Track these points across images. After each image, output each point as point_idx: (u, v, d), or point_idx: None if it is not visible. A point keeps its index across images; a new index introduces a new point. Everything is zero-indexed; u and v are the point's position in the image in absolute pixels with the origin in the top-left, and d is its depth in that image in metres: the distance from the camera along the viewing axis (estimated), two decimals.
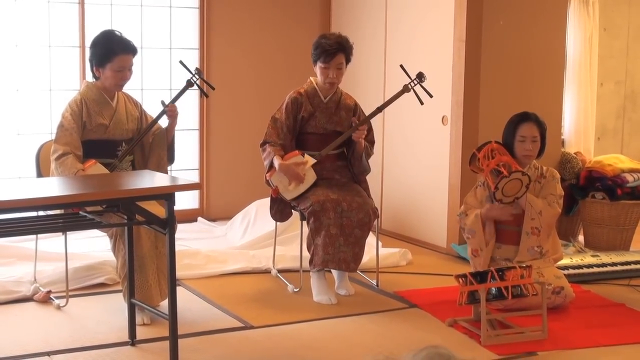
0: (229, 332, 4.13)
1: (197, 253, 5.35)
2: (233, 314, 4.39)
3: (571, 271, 5.07)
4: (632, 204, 6.00)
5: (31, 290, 4.59)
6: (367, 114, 4.87)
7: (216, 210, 6.84)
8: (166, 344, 3.66)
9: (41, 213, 3.91)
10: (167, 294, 3.66)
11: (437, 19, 5.93)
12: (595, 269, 5.20)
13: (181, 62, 4.65)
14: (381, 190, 6.49)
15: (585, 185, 6.15)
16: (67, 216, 3.74)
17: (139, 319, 4.08)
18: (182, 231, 5.83)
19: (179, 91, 4.56)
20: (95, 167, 4.26)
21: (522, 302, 4.19)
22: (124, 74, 4.38)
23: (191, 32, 6.71)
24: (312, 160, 4.71)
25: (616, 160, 6.21)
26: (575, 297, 4.55)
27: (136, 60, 4.44)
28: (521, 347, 3.94)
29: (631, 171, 6.10)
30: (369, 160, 4.92)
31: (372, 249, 5.07)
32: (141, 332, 4.01)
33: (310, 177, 4.71)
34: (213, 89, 4.87)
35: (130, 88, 4.68)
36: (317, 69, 4.77)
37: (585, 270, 5.17)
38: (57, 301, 4.46)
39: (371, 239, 4.94)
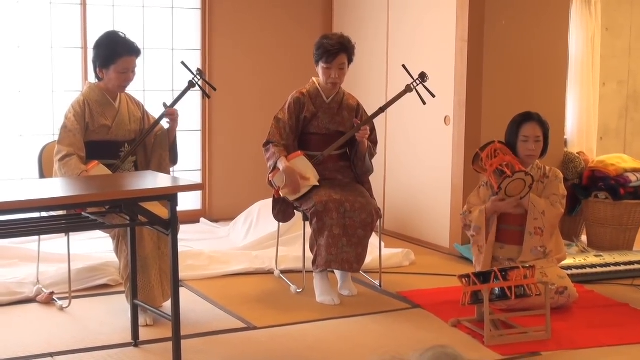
0: (232, 333, 4.12)
1: (200, 254, 5.34)
2: (236, 314, 4.39)
3: (574, 271, 5.06)
4: (635, 203, 5.99)
5: (34, 291, 4.59)
6: (369, 114, 4.87)
7: (219, 211, 6.84)
8: (169, 345, 3.66)
9: (44, 214, 3.91)
10: (170, 295, 3.66)
11: (439, 19, 5.92)
12: (599, 269, 5.20)
13: (183, 63, 4.65)
14: (384, 191, 6.49)
15: (588, 185, 6.14)
16: (69, 217, 3.74)
17: (141, 320, 4.08)
18: (185, 232, 5.83)
19: (180, 92, 4.56)
20: (98, 168, 4.26)
21: (525, 302, 4.18)
22: (127, 75, 4.38)
23: (193, 33, 6.71)
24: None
25: (619, 160, 6.20)
26: (578, 297, 4.55)
27: (138, 61, 4.44)
28: (525, 347, 3.93)
29: (634, 171, 6.09)
30: (372, 161, 4.92)
31: (375, 250, 5.06)
32: (144, 333, 4.00)
33: (313, 179, 4.70)
34: (215, 89, 4.87)
35: (132, 89, 4.68)
36: (320, 69, 4.77)
37: (588, 270, 5.16)
38: (59, 302, 4.46)
39: (374, 240, 4.94)
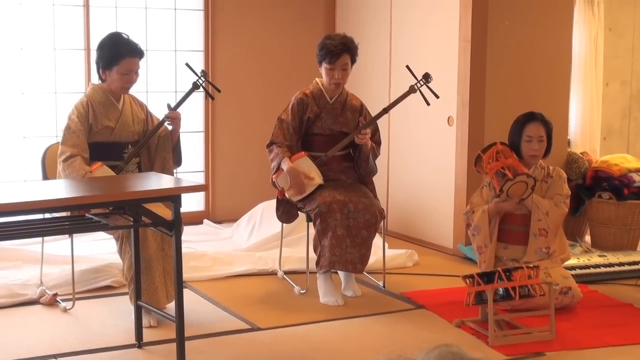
0: (236, 334, 4.12)
1: (203, 255, 5.35)
2: (240, 315, 4.38)
3: (578, 271, 5.05)
4: (639, 203, 5.98)
5: (37, 293, 4.59)
6: (373, 114, 4.87)
7: (222, 212, 6.84)
8: (173, 346, 3.66)
9: (47, 215, 3.91)
10: (174, 296, 3.66)
11: (443, 19, 5.92)
12: (603, 269, 5.19)
13: (188, 65, 4.64)
14: (387, 191, 6.48)
15: (592, 185, 6.14)
16: (73, 218, 3.74)
17: (145, 321, 4.08)
18: (188, 233, 5.83)
19: (184, 94, 4.55)
20: (102, 170, 4.26)
21: (529, 302, 4.18)
22: (130, 77, 4.38)
23: (196, 34, 6.71)
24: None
25: (623, 160, 6.20)
26: (582, 297, 4.54)
27: (141, 63, 4.43)
28: (529, 348, 3.93)
29: (638, 171, 6.08)
30: (376, 161, 4.91)
31: (379, 250, 5.06)
32: (148, 335, 4.00)
33: (318, 178, 4.70)
34: (219, 91, 4.87)
35: (136, 90, 4.67)
36: (323, 70, 4.77)
37: (592, 270, 5.16)
38: (63, 304, 4.46)
39: (377, 240, 4.94)
